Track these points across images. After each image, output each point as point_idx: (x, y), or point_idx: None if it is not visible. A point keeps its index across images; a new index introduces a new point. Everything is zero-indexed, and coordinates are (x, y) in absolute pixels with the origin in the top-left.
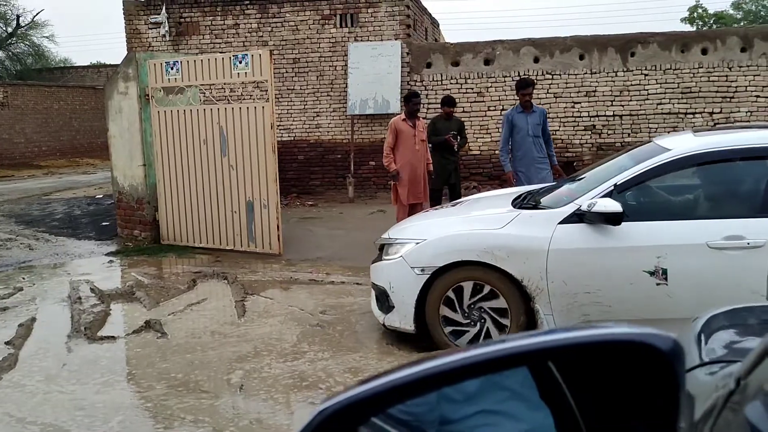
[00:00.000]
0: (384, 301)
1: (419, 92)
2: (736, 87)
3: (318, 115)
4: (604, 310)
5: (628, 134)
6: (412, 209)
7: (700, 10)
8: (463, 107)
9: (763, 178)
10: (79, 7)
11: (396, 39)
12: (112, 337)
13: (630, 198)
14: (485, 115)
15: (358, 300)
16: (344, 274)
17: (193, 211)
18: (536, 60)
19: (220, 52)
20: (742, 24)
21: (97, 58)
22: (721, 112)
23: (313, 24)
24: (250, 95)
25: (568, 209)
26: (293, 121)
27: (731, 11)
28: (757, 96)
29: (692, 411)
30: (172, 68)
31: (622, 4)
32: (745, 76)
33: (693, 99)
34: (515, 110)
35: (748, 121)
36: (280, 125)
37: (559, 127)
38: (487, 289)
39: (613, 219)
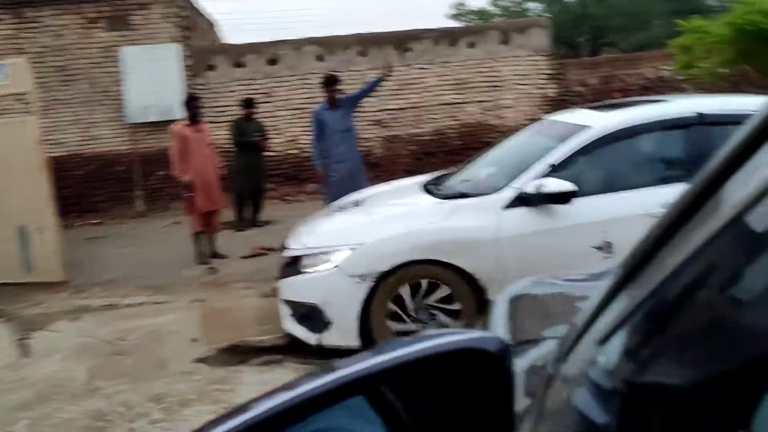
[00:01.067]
0: (317, 318)
1: (199, 96)
2: (501, 77)
3: (94, 126)
4: None
5: (413, 125)
6: (209, 217)
7: (463, 7)
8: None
9: (679, 145)
10: None
11: (173, 42)
12: None
13: (567, 176)
14: (274, 116)
15: (159, 320)
16: (142, 295)
17: None
18: (320, 58)
19: None
20: (500, 18)
21: None
22: (490, 100)
23: (78, 29)
24: (10, 109)
25: (510, 194)
26: (65, 134)
27: (489, 8)
28: (519, 84)
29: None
30: None
31: (395, 3)
32: (507, 66)
33: (466, 89)
34: (322, 108)
35: (514, 107)
36: (50, 139)
37: None
38: (425, 283)
39: (563, 198)
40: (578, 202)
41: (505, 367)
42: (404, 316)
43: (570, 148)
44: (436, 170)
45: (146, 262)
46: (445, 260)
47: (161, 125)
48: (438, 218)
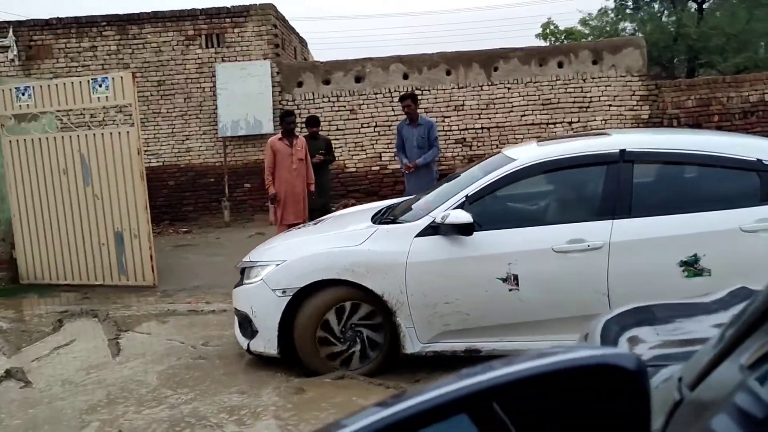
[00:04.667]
0: (247, 326)
1: (293, 111)
2: (590, 97)
3: (188, 139)
4: (463, 319)
5: (497, 145)
6: (292, 228)
7: (552, 27)
8: (337, 125)
9: (599, 182)
10: None
11: (265, 58)
12: None
13: (481, 208)
14: (359, 132)
15: None
16: (225, 302)
17: (56, 246)
18: (405, 76)
19: (77, 76)
20: (590, 39)
21: None
22: (579, 122)
23: (177, 45)
24: (113, 120)
25: (424, 222)
26: (161, 145)
27: (580, 27)
28: (610, 105)
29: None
30: (23, 94)
31: (482, 22)
32: (598, 87)
33: (553, 110)
34: (404, 122)
35: (603, 129)
36: (147, 150)
37: None
38: (349, 305)
39: (464, 229)
40: (487, 234)
41: (644, 388)
42: (331, 339)
43: (486, 181)
44: None
45: (230, 270)
46: (357, 281)
47: (249, 139)
48: (357, 241)
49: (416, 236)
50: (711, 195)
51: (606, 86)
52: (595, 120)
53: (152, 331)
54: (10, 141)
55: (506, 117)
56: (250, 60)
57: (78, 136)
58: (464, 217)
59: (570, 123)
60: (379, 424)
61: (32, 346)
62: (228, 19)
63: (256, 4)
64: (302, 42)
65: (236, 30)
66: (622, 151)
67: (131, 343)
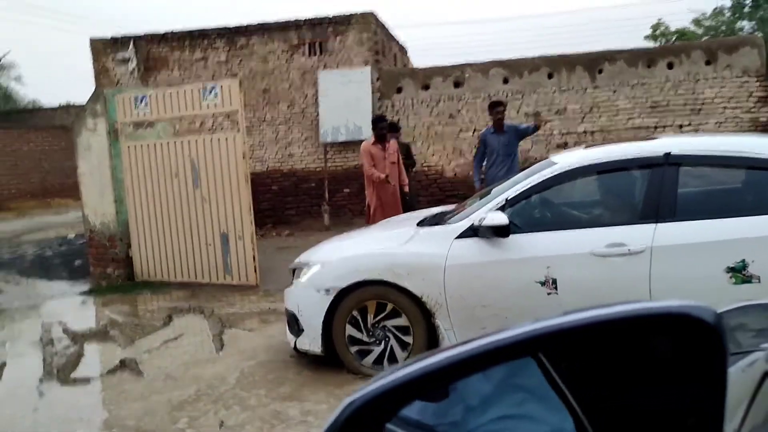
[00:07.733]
0: (294, 324)
1: (386, 117)
2: (703, 99)
3: (290, 145)
4: (500, 322)
5: None
6: None
7: (662, 28)
8: (436, 131)
9: (642, 185)
10: (46, 47)
11: (365, 65)
12: (86, 378)
13: (522, 211)
14: (458, 137)
15: None
16: None
17: (167, 245)
18: (506, 81)
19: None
20: (703, 39)
21: (66, 98)
22: (690, 125)
23: (282, 54)
24: (221, 126)
25: (464, 224)
26: (265, 151)
27: (692, 28)
28: (725, 107)
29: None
30: (140, 102)
31: (586, 24)
32: (711, 88)
33: (662, 113)
34: (488, 131)
35: (717, 132)
36: (252, 156)
37: (532, 146)
38: (390, 307)
39: (501, 231)
40: (526, 237)
41: (721, 342)
42: (363, 330)
43: (526, 184)
44: None
45: None
46: (396, 282)
47: (349, 145)
48: (399, 243)
49: (456, 238)
50: (760, 199)
51: (720, 87)
52: (707, 123)
53: (254, 328)
54: (128, 147)
55: (611, 120)
56: (351, 67)
57: (189, 141)
58: (500, 218)
59: (680, 126)
60: (444, 362)
61: (144, 339)
62: (330, 28)
63: (357, 13)
64: (402, 49)
65: (338, 38)
66: (667, 153)
67: (234, 340)
